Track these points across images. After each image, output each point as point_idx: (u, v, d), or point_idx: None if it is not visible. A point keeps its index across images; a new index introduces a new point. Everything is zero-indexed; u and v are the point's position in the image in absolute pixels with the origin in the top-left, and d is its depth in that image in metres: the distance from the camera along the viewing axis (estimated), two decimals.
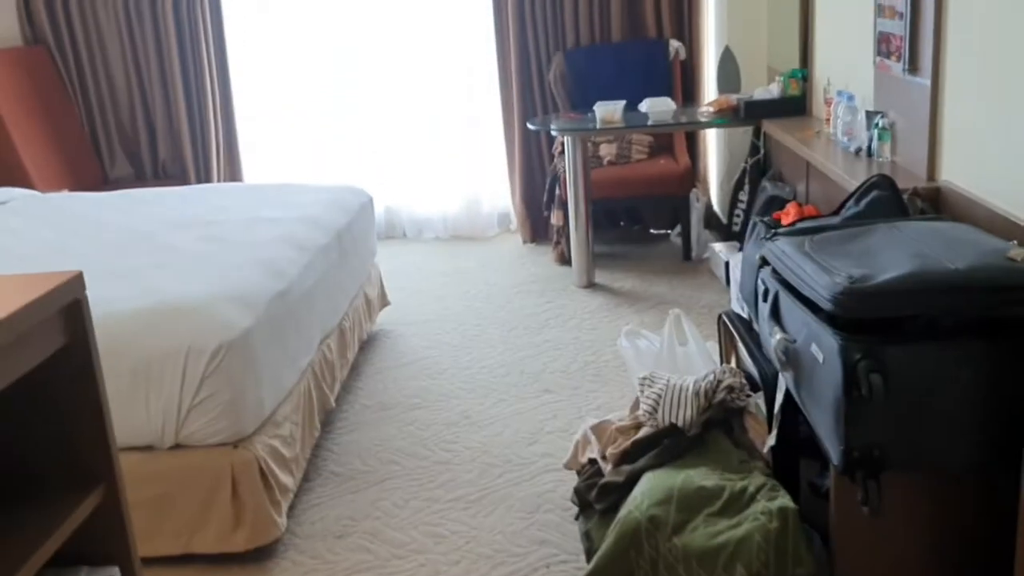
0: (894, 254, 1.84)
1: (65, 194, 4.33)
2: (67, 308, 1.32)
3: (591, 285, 4.61)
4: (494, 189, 5.66)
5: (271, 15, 5.56)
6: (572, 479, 2.65)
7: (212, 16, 5.36)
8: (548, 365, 3.73)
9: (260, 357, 2.58)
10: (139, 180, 5.61)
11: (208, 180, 5.53)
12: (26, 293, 1.25)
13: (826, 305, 1.75)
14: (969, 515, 1.79)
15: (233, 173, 5.61)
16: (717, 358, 2.71)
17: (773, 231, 2.20)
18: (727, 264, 4.30)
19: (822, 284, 1.78)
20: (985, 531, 1.75)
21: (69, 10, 5.38)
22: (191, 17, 5.32)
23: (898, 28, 2.94)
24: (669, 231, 5.36)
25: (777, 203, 3.86)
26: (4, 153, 4.83)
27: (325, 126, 5.70)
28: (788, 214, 3.29)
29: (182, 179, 5.55)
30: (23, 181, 4.75)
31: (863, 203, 2.45)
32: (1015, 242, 1.87)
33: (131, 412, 2.43)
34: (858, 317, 1.71)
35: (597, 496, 2.29)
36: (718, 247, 4.61)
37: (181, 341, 2.44)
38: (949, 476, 1.80)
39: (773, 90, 4.23)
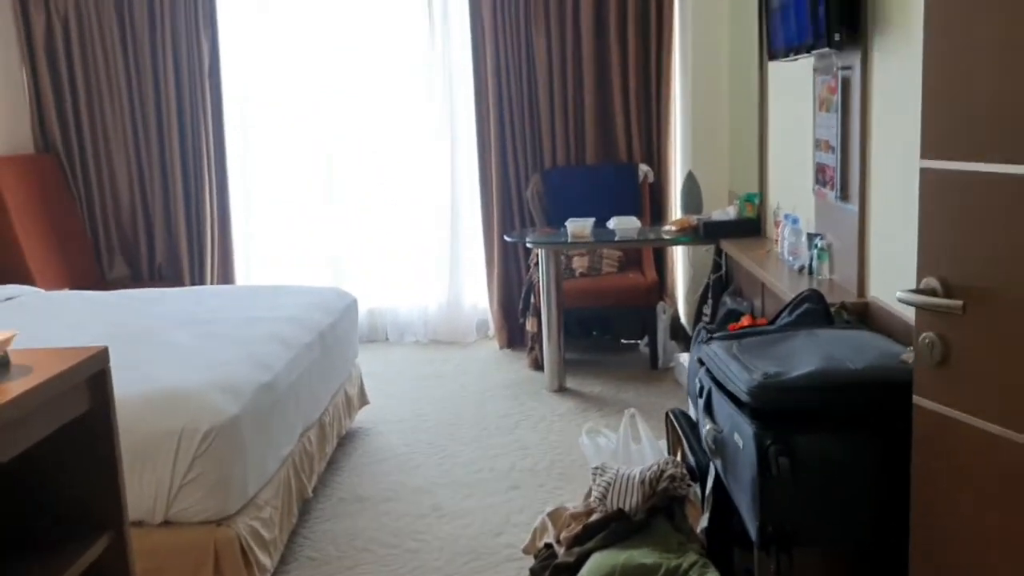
0: (806, 356, 2.12)
1: (67, 292, 4.60)
2: (93, 377, 1.58)
3: (562, 389, 4.86)
4: (474, 297, 5.97)
5: (272, 130, 5.97)
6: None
7: (214, 129, 5.74)
8: (517, 463, 3.95)
9: (246, 442, 2.81)
10: (135, 281, 5.90)
11: (202, 282, 5.82)
12: (61, 362, 1.51)
13: (744, 397, 2.02)
14: None
15: (226, 275, 5.90)
16: (667, 454, 2.95)
17: (709, 335, 2.48)
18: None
19: (742, 380, 2.05)
20: None
21: (80, 120, 5.76)
22: (194, 128, 5.71)
23: (831, 160, 3.30)
24: (638, 341, 5.64)
25: (735, 316, 4.15)
26: (10, 253, 5.13)
27: (315, 232, 6.04)
28: (741, 326, 3.58)
29: (177, 281, 5.85)
30: (25, 279, 5.03)
31: (795, 314, 2.75)
32: (910, 348, 2.15)
33: (126, 488, 2.63)
34: (770, 408, 1.97)
35: None
36: (683, 357, 4.87)
37: (175, 423, 2.67)
38: (852, 549, 2.03)
39: (730, 212, 4.59)
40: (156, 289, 4.57)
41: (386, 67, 5.87)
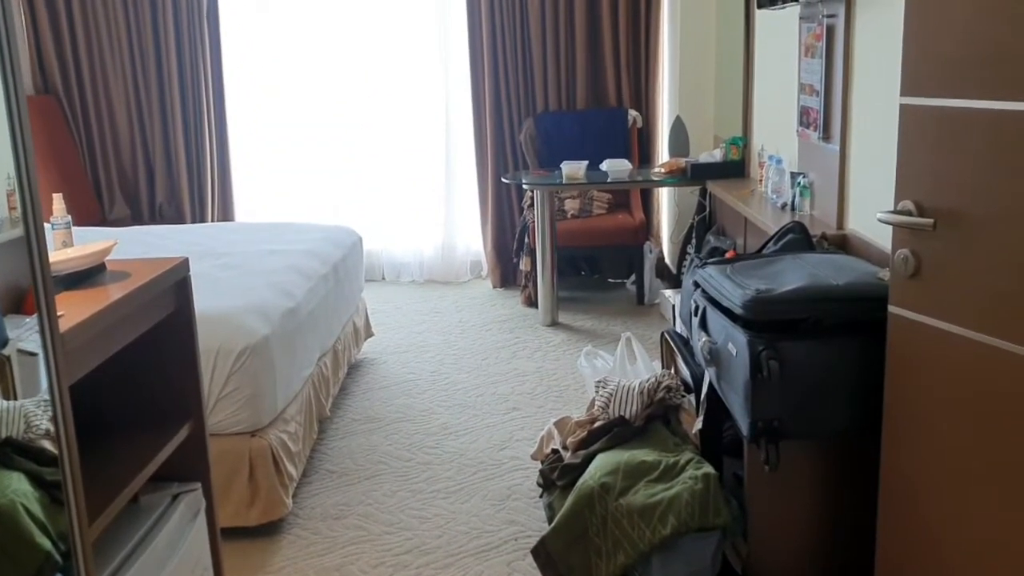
0: (793, 274, 2.38)
1: (77, 230, 4.76)
2: (178, 283, 1.80)
3: (555, 324, 5.12)
4: (467, 238, 6.19)
5: (269, 71, 6.10)
6: (537, 476, 3.13)
7: (213, 69, 5.87)
8: (516, 388, 4.21)
9: (275, 360, 3.05)
10: (136, 221, 6.06)
11: (203, 221, 5.99)
12: (153, 269, 1.73)
13: (739, 311, 2.27)
14: (849, 471, 2.31)
15: (226, 216, 6.08)
16: (660, 371, 3.22)
17: (704, 261, 2.73)
18: (674, 307, 4.84)
19: (736, 295, 2.30)
20: (862, 483, 2.25)
21: (79, 61, 5.87)
22: (194, 69, 5.84)
23: (815, 103, 3.53)
24: (625, 280, 5.89)
25: (719, 253, 4.41)
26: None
27: (312, 175, 6.22)
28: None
29: (178, 220, 6.02)
30: None
31: (780, 243, 3.01)
32: (886, 267, 2.41)
33: None
34: (762, 319, 2.23)
35: (559, 475, 2.77)
36: (668, 293, 5.14)
37: (212, 343, 2.89)
38: (832, 441, 2.31)
39: (716, 155, 4.82)
40: (166, 226, 4.75)
41: (383, 14, 6.01)
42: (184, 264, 1.81)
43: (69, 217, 1.95)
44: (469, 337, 4.97)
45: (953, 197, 1.84)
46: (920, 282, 1.94)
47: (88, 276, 1.69)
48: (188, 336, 1.84)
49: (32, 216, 1.20)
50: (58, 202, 1.88)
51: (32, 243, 1.22)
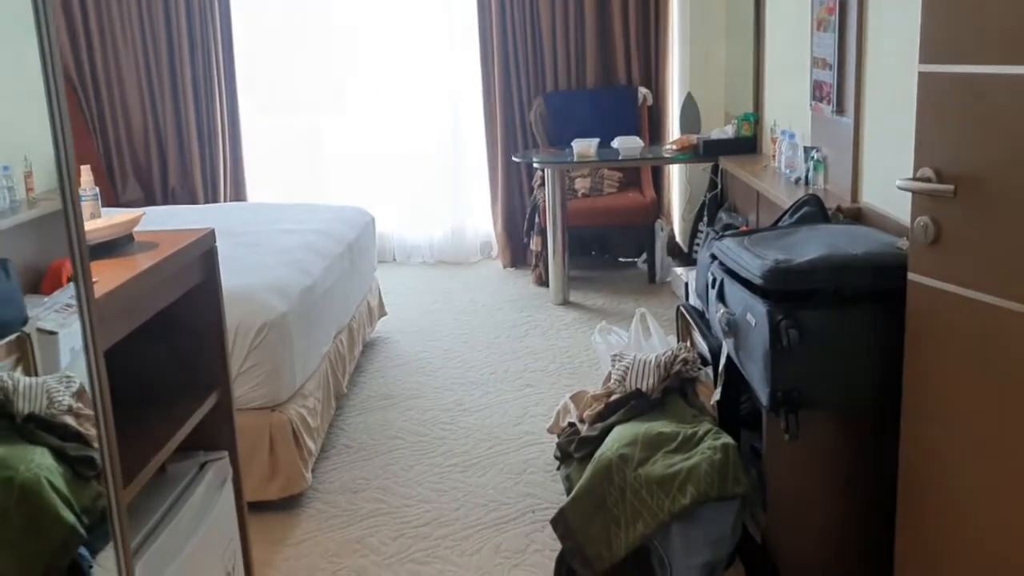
0: (811, 245, 2.39)
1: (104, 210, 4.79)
2: (205, 254, 1.82)
3: (566, 303, 5.14)
4: (477, 219, 6.20)
5: (278, 54, 6.11)
6: (553, 449, 3.15)
7: (224, 52, 5.88)
8: (529, 366, 4.23)
9: (293, 336, 3.07)
10: (149, 203, 6.08)
11: (215, 203, 6.01)
12: (181, 240, 1.75)
13: (757, 281, 2.28)
14: (869, 441, 2.32)
15: (238, 197, 6.10)
16: (676, 344, 3.23)
17: (720, 233, 2.74)
18: (686, 285, 4.84)
19: (755, 266, 2.31)
20: (881, 453, 2.27)
21: (92, 48, 5.88)
22: (205, 52, 5.85)
23: (828, 77, 3.53)
24: (636, 259, 5.90)
25: (731, 230, 4.42)
26: None
27: (323, 157, 6.23)
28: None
29: (190, 202, 6.03)
30: None
31: (796, 216, 3.02)
32: (904, 237, 2.42)
33: None
34: (780, 289, 2.24)
35: (576, 447, 2.79)
36: (679, 271, 5.15)
37: (231, 319, 2.88)
38: (852, 411, 2.33)
39: (728, 131, 4.82)
40: (180, 206, 4.77)
41: None
42: (211, 235, 1.83)
43: (97, 189, 1.97)
44: (481, 316, 4.98)
45: (973, 163, 1.85)
46: (940, 249, 1.94)
47: (116, 247, 1.71)
48: (215, 306, 1.86)
49: (68, 179, 1.22)
50: (86, 174, 1.90)
51: (68, 207, 1.24)
